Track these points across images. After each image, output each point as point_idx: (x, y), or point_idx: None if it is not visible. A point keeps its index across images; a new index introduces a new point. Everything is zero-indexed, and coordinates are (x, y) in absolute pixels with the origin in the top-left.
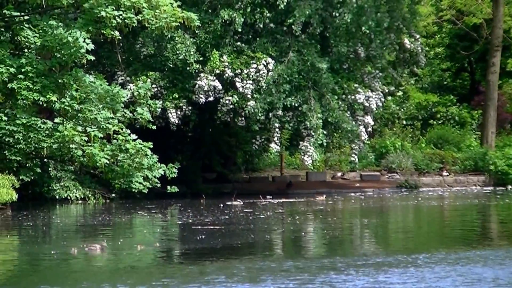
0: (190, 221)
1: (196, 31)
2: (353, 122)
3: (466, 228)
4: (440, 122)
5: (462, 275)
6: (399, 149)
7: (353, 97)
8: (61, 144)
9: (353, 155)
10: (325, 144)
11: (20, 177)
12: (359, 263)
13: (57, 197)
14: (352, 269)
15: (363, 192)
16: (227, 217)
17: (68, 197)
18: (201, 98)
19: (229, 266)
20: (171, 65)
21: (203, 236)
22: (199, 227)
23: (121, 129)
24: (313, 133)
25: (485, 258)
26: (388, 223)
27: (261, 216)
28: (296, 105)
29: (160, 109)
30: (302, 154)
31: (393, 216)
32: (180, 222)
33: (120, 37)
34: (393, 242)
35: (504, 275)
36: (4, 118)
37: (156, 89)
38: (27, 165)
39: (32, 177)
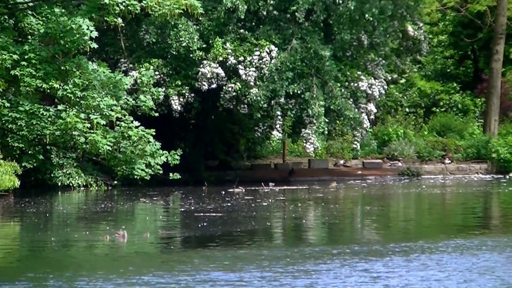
0: (193, 208)
1: (199, 18)
2: (356, 110)
3: (468, 216)
4: (443, 109)
5: (456, 263)
6: (402, 137)
7: (356, 84)
8: (64, 131)
9: (356, 142)
10: (326, 132)
11: (23, 164)
12: (348, 250)
13: (60, 184)
14: (334, 258)
15: (365, 179)
16: (229, 204)
17: (71, 184)
18: (204, 85)
19: (233, 253)
20: (174, 53)
21: (205, 224)
22: (202, 214)
23: (124, 116)
24: (315, 121)
25: (485, 246)
26: (389, 211)
27: (263, 204)
28: (299, 92)
29: (162, 96)
30: (304, 141)
31: (394, 204)
32: (182, 209)
33: (123, 24)
34: (392, 230)
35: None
36: (7, 105)
37: (159, 76)
38: (30, 152)
39: (35, 164)
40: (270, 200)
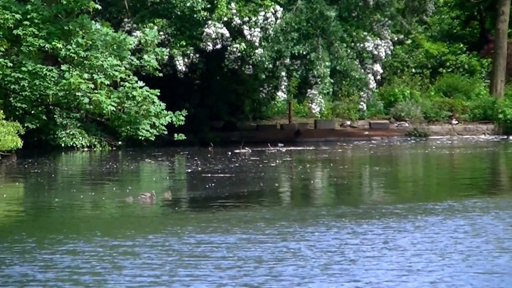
0: (200, 169)
1: None
2: (362, 70)
3: (476, 177)
4: (449, 70)
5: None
6: (408, 98)
7: (362, 45)
8: (67, 92)
9: (362, 103)
10: (331, 92)
11: (26, 125)
12: (356, 211)
13: (63, 144)
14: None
15: (372, 140)
16: (236, 165)
17: (74, 145)
18: (209, 45)
19: (236, 215)
20: (178, 12)
21: (213, 184)
22: (209, 175)
23: (128, 76)
24: (320, 82)
25: (487, 208)
26: (397, 172)
27: (271, 165)
28: (304, 53)
29: (167, 57)
30: (310, 102)
31: (402, 165)
32: (189, 170)
33: None
34: (397, 191)
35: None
36: (10, 64)
37: (163, 36)
38: (33, 112)
39: (38, 125)
40: (277, 161)
